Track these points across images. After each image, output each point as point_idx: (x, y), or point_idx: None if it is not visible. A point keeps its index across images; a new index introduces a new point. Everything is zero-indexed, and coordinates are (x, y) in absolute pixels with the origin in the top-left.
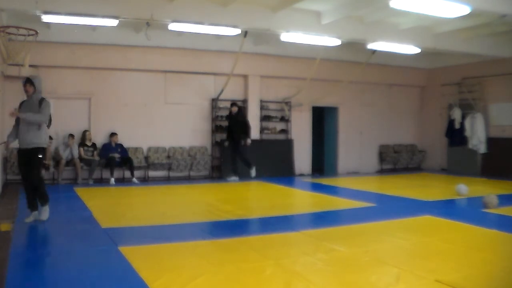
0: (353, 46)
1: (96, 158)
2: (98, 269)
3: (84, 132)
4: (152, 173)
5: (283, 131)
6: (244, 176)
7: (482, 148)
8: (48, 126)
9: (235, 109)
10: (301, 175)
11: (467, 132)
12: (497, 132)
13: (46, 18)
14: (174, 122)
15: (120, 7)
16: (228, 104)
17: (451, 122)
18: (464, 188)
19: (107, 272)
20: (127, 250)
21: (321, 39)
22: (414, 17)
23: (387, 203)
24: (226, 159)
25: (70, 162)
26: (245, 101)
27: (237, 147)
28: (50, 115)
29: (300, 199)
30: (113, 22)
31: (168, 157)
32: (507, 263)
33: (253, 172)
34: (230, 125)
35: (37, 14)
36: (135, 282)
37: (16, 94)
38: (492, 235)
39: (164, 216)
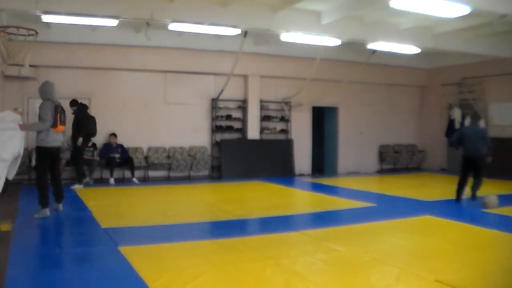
0: (353, 46)
1: (96, 158)
2: (98, 269)
3: None
4: (152, 173)
5: (283, 131)
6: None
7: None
8: (52, 125)
9: (74, 108)
10: (301, 175)
11: None
12: (497, 132)
13: (46, 18)
14: (174, 122)
15: (120, 7)
16: (228, 104)
17: (451, 122)
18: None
19: (107, 272)
20: (127, 250)
21: (321, 39)
22: (414, 17)
23: (387, 203)
24: (226, 158)
25: (70, 162)
26: (245, 101)
27: (77, 149)
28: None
29: (300, 199)
30: (113, 22)
31: (168, 157)
32: (507, 263)
33: (76, 186)
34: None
35: (37, 14)
36: (135, 282)
37: (16, 94)
38: (492, 235)
39: (164, 216)
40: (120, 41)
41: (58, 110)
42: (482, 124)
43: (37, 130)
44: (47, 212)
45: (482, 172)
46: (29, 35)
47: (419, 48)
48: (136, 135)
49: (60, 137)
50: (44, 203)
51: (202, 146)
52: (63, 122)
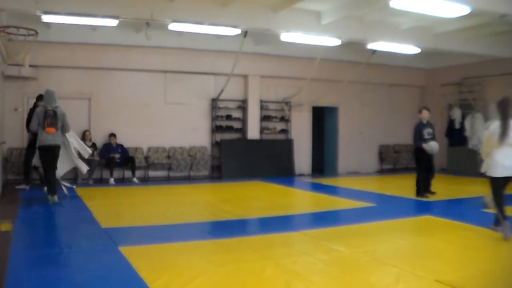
0: (353, 46)
1: (96, 158)
2: (98, 269)
3: (84, 132)
4: (152, 173)
5: (283, 131)
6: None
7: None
8: (43, 128)
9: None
10: (301, 175)
11: (467, 132)
12: None
13: (46, 18)
14: (174, 122)
15: (120, 7)
16: (228, 104)
17: (451, 122)
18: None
19: (107, 272)
20: (127, 250)
21: (321, 39)
22: (414, 17)
23: (387, 203)
24: (226, 158)
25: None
26: (245, 101)
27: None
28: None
29: (300, 199)
30: (113, 22)
31: (168, 157)
32: (507, 263)
33: (55, 198)
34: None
35: (37, 14)
36: (135, 282)
37: (16, 94)
38: (492, 235)
39: (164, 216)
40: (120, 41)
41: (47, 114)
42: (425, 116)
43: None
44: (54, 198)
45: (418, 165)
46: (29, 35)
47: (419, 48)
48: (136, 135)
49: (53, 137)
50: (50, 191)
51: (202, 146)
52: (50, 125)
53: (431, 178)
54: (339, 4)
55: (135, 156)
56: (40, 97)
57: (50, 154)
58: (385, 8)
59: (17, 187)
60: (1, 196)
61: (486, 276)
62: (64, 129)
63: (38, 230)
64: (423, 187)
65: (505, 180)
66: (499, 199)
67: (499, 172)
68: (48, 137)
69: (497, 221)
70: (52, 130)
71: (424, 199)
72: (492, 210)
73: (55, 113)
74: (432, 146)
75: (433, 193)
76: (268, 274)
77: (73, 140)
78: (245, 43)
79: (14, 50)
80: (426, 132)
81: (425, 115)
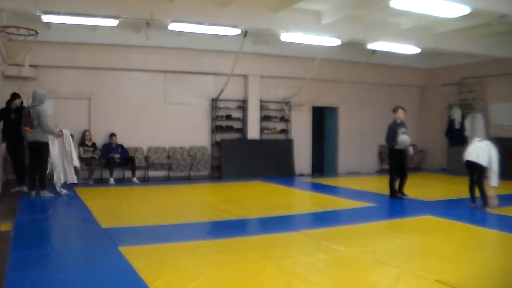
0: (353, 46)
1: (96, 157)
2: (98, 269)
3: (84, 132)
4: (152, 173)
5: (283, 131)
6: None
7: None
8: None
9: (18, 101)
10: (301, 175)
11: (467, 132)
12: (497, 132)
13: (46, 18)
14: (174, 122)
15: (120, 7)
16: (228, 104)
17: (451, 122)
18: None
19: (107, 272)
20: (127, 250)
21: (321, 39)
22: (414, 17)
23: (387, 203)
24: (226, 159)
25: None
26: (245, 101)
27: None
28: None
29: (300, 199)
30: (113, 22)
31: (168, 157)
32: (507, 263)
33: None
34: (13, 121)
35: (37, 14)
36: (135, 282)
37: None
38: (492, 235)
39: (164, 216)
40: (120, 41)
41: (22, 115)
42: (400, 116)
43: None
44: (27, 190)
45: (390, 166)
46: (29, 35)
47: (419, 48)
48: (136, 135)
49: (32, 134)
50: (28, 185)
51: (202, 146)
52: (24, 124)
53: (404, 180)
54: (339, 4)
55: (135, 156)
56: (14, 96)
57: (33, 150)
58: (385, 8)
59: (13, 190)
60: (1, 196)
61: (486, 276)
62: (41, 127)
63: (38, 230)
64: (395, 188)
65: (475, 166)
66: (470, 182)
67: (468, 156)
68: (29, 134)
69: (484, 202)
70: (28, 129)
71: (421, 199)
72: (493, 210)
73: (29, 112)
74: (403, 139)
75: (404, 195)
76: (268, 274)
77: (57, 147)
78: (245, 43)
79: (14, 50)
80: (400, 131)
81: (401, 114)
